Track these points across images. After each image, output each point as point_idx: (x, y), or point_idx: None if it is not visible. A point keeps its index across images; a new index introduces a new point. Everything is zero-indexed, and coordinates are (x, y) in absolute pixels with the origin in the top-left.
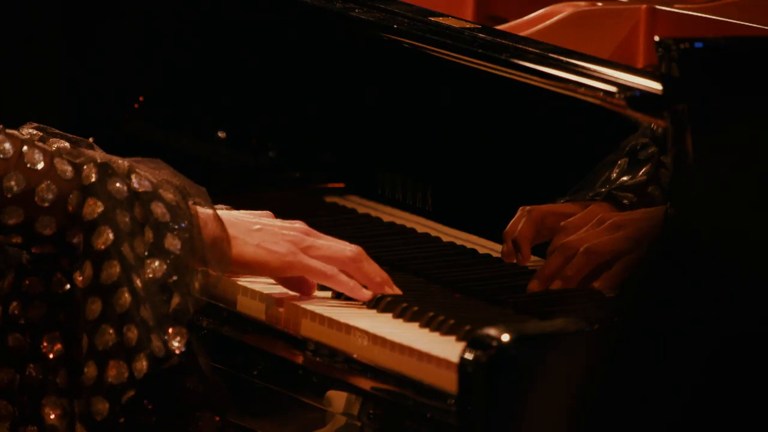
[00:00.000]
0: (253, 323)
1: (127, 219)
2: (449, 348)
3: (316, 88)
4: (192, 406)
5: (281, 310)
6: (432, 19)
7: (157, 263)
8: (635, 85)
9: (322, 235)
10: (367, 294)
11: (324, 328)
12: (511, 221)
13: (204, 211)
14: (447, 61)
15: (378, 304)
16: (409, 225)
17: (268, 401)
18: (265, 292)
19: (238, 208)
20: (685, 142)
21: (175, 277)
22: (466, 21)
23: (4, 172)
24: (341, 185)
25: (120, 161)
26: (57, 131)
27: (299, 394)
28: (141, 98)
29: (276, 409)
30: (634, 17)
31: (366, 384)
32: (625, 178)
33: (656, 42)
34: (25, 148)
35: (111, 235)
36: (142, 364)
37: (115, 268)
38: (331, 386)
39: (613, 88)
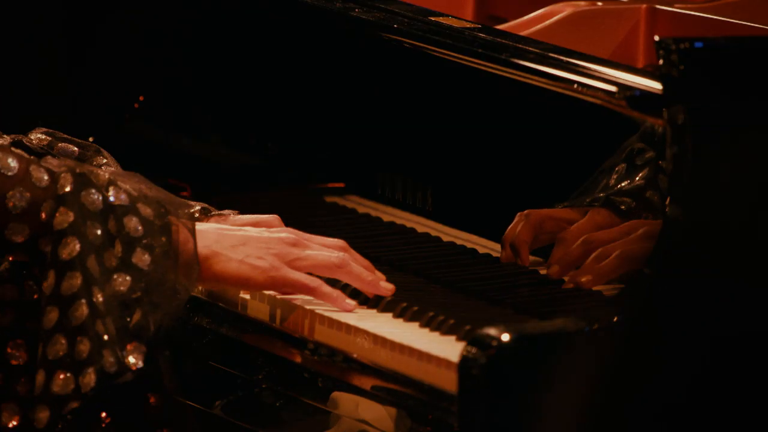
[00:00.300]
0: (254, 323)
1: (98, 231)
2: (449, 348)
3: (316, 88)
4: (153, 423)
5: (282, 311)
6: (432, 19)
7: (122, 278)
8: (635, 85)
9: (310, 240)
10: (350, 304)
11: (324, 328)
12: (510, 226)
13: (185, 228)
14: (447, 61)
15: (378, 303)
16: (409, 225)
17: (267, 401)
18: (267, 293)
19: (238, 208)
20: (685, 141)
21: (138, 293)
22: (466, 21)
23: None
24: (341, 185)
25: (101, 173)
26: (65, 136)
27: (298, 394)
28: (141, 98)
29: (276, 410)
30: (634, 17)
31: (366, 384)
32: (623, 184)
33: (656, 42)
34: None
35: (77, 246)
36: (90, 378)
37: (77, 280)
38: (331, 386)
39: (613, 88)
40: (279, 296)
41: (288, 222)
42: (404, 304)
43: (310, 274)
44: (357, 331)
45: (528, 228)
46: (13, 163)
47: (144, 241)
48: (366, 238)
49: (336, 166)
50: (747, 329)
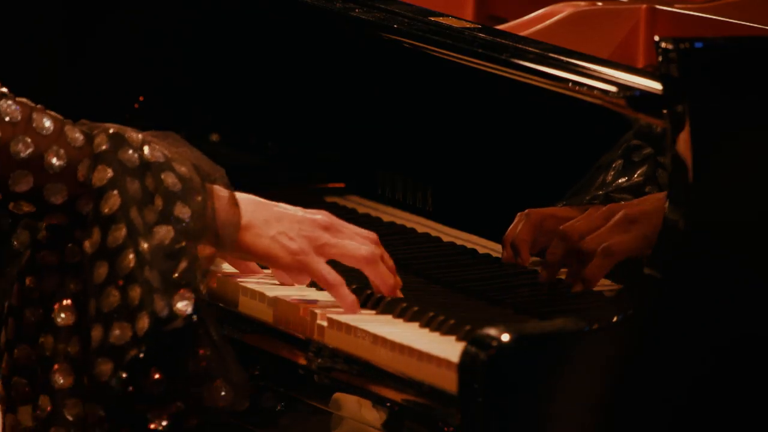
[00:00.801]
0: (254, 324)
1: (136, 186)
2: (449, 348)
3: (316, 88)
4: (203, 375)
5: (282, 311)
6: (432, 19)
7: (165, 229)
8: (635, 85)
9: (343, 226)
10: (357, 311)
11: (324, 328)
12: (510, 226)
13: (220, 191)
14: (447, 61)
15: (378, 304)
16: (409, 225)
17: (267, 402)
18: (268, 294)
19: None
20: (685, 141)
21: (183, 243)
22: (466, 21)
23: (11, 137)
24: (341, 185)
25: (134, 133)
26: None
27: (297, 394)
28: (141, 98)
29: (275, 411)
30: (634, 17)
31: (366, 384)
32: (621, 180)
33: (656, 42)
34: (33, 114)
35: (118, 200)
36: (144, 322)
37: (121, 231)
38: (331, 386)
39: (613, 88)
40: (280, 297)
41: None
42: (404, 304)
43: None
44: (357, 331)
45: (528, 227)
46: (48, 123)
47: (183, 195)
48: None
49: (336, 166)
50: (747, 329)
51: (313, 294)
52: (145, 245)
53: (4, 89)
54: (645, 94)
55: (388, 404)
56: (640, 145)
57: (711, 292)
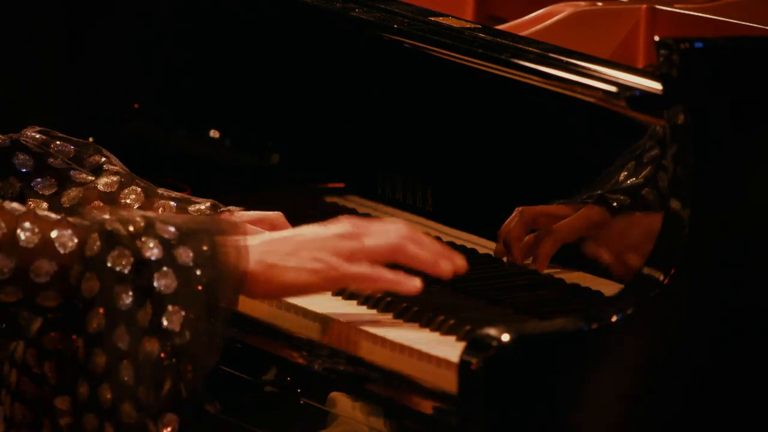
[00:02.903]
0: (253, 323)
1: (126, 298)
2: (449, 348)
3: (316, 88)
4: None
5: (280, 311)
6: (432, 19)
7: (152, 342)
8: (635, 85)
9: (365, 227)
10: (416, 285)
11: (324, 328)
12: (506, 221)
13: (235, 248)
14: (447, 61)
15: (378, 304)
16: None
17: (266, 401)
18: None
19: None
20: (685, 141)
21: (169, 360)
22: (466, 21)
23: None
24: (341, 185)
25: (138, 218)
26: (60, 135)
27: (296, 393)
28: (141, 98)
29: (274, 409)
30: (634, 17)
31: (365, 383)
32: (628, 182)
33: (656, 42)
34: (18, 227)
35: (103, 321)
36: None
37: (101, 358)
38: (330, 386)
39: (613, 88)
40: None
41: (288, 222)
42: (404, 304)
43: None
44: (357, 331)
45: (520, 224)
46: (32, 234)
47: (176, 297)
48: None
49: (336, 166)
50: (747, 328)
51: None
52: (129, 370)
53: None
54: (645, 94)
55: (388, 404)
56: (652, 146)
57: (711, 291)
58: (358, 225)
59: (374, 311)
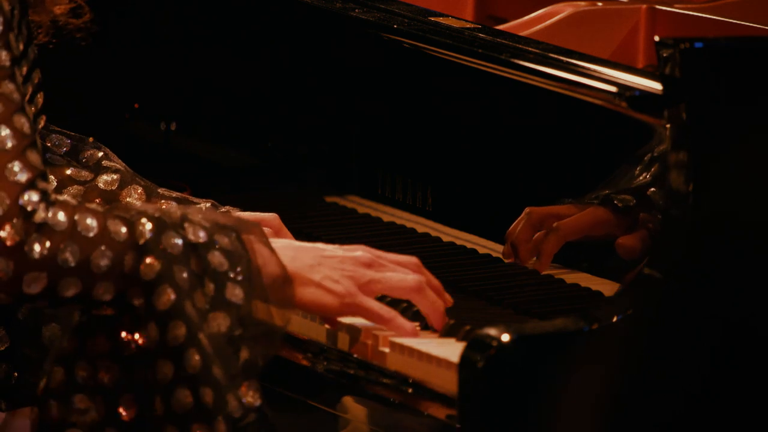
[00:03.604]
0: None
1: (185, 275)
2: (449, 348)
3: (316, 88)
4: None
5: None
6: (432, 19)
7: (220, 317)
8: (635, 85)
9: (383, 258)
10: (422, 333)
11: (324, 329)
12: (514, 223)
13: (262, 250)
14: (447, 61)
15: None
16: (409, 225)
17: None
18: None
19: (238, 208)
20: (685, 141)
21: (240, 330)
22: (466, 21)
23: (58, 246)
24: (341, 185)
25: (173, 209)
26: (57, 129)
27: (296, 393)
28: (141, 98)
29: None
30: (634, 17)
31: (366, 384)
32: (634, 183)
33: (656, 42)
34: (77, 215)
35: (173, 295)
36: (222, 427)
37: (181, 329)
38: (330, 385)
39: (613, 88)
40: None
41: (288, 222)
42: (405, 305)
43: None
44: (357, 331)
45: (527, 227)
46: (91, 221)
47: (231, 275)
48: (366, 238)
49: (336, 166)
50: (747, 328)
51: None
52: (205, 340)
53: (48, 186)
54: (645, 94)
55: (387, 404)
56: (659, 146)
57: (711, 291)
58: (374, 253)
59: None
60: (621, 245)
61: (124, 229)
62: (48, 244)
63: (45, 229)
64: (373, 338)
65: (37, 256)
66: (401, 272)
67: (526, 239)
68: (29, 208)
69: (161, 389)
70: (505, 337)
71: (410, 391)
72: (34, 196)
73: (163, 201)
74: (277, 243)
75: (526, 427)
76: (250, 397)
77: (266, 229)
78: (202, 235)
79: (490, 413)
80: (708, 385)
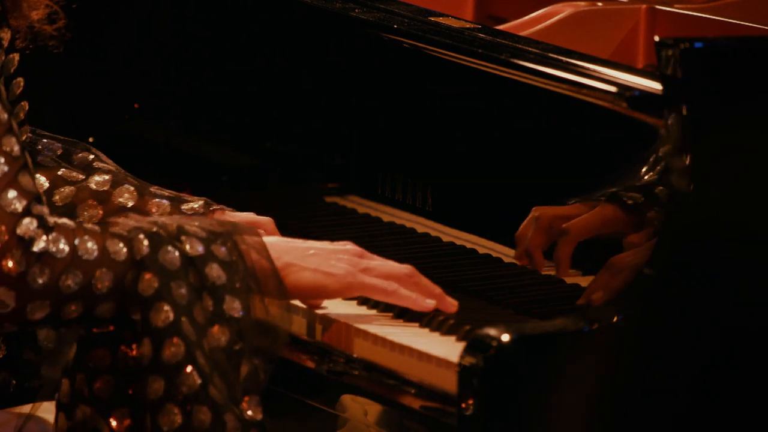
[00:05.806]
0: None
1: (183, 290)
2: (449, 348)
3: (316, 88)
4: None
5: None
6: (432, 19)
7: (219, 330)
8: (635, 85)
9: (374, 256)
10: (430, 303)
11: (324, 329)
12: (522, 224)
13: (254, 246)
14: (447, 61)
15: (378, 304)
16: (409, 225)
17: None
18: None
19: (238, 209)
20: (685, 141)
21: (240, 344)
22: (466, 21)
23: (61, 272)
24: (341, 185)
25: (168, 222)
26: (46, 133)
27: (295, 393)
28: (141, 99)
29: (278, 412)
30: (634, 17)
31: (366, 384)
32: (641, 181)
33: (656, 42)
34: (77, 240)
35: (171, 314)
36: None
37: (179, 347)
38: (330, 386)
39: (613, 88)
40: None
41: (288, 222)
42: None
43: None
44: (357, 331)
45: (539, 232)
46: (91, 244)
47: (229, 287)
48: (366, 238)
49: (336, 166)
50: (746, 328)
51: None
52: (202, 359)
53: (43, 209)
54: (645, 94)
55: (387, 404)
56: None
57: (711, 291)
58: (364, 250)
59: (374, 311)
60: (631, 244)
61: (124, 249)
62: (49, 272)
63: (46, 258)
64: (381, 341)
65: (39, 285)
66: (394, 263)
67: (539, 245)
68: (28, 237)
69: (150, 406)
70: (505, 337)
71: (413, 391)
72: (32, 225)
73: (155, 200)
74: (270, 239)
75: (526, 426)
76: (251, 412)
77: (261, 232)
78: (200, 249)
79: (490, 413)
80: (707, 385)
